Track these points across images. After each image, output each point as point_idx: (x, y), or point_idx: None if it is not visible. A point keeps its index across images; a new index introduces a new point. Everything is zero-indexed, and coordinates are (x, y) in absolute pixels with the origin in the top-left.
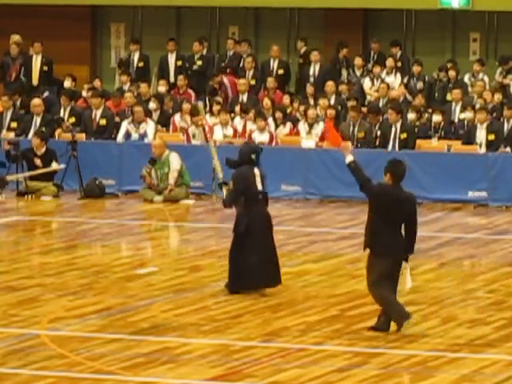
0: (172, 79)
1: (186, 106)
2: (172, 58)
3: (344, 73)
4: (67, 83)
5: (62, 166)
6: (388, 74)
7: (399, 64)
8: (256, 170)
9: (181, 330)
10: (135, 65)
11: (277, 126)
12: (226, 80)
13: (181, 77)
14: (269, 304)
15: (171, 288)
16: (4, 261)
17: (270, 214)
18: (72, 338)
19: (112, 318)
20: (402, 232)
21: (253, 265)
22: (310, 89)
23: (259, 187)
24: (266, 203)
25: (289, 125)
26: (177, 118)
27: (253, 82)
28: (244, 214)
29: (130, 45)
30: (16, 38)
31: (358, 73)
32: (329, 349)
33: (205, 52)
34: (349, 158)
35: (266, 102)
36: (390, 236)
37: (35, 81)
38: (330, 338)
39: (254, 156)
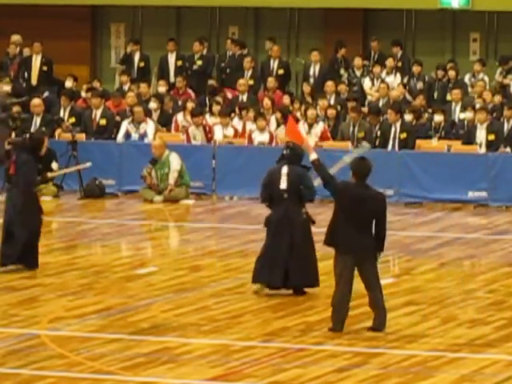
0: (172, 79)
1: (190, 105)
2: (172, 58)
3: (344, 73)
4: (68, 83)
5: (88, 164)
6: (388, 74)
7: (399, 64)
8: (284, 168)
9: (181, 330)
10: (136, 65)
11: (277, 126)
12: (230, 95)
13: (179, 78)
14: (269, 304)
15: (171, 288)
16: None
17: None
18: (72, 338)
19: (112, 318)
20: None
21: (258, 262)
22: (306, 88)
23: (282, 186)
24: (293, 202)
25: None
26: (179, 116)
27: (251, 82)
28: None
29: (130, 45)
30: (16, 37)
31: (358, 73)
32: (329, 349)
33: (205, 52)
34: (313, 156)
35: (266, 102)
36: (353, 234)
37: (34, 81)
38: (330, 338)
39: (284, 151)
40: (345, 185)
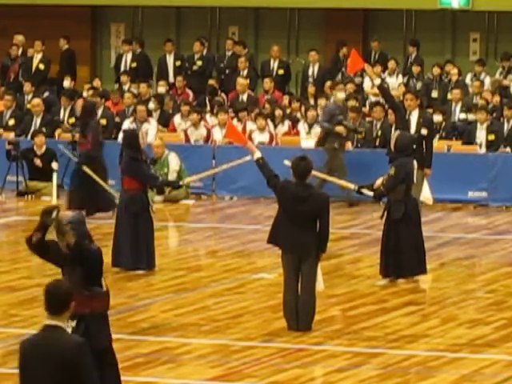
0: (171, 79)
1: (184, 109)
2: (170, 59)
3: (344, 72)
4: (66, 83)
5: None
6: (390, 75)
7: (410, 64)
8: (415, 162)
9: (181, 330)
10: (128, 65)
11: (276, 126)
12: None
13: (179, 78)
14: (269, 304)
15: (171, 288)
16: (4, 261)
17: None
18: None
19: (112, 317)
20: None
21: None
22: (311, 89)
23: (414, 179)
24: None
25: (287, 123)
26: (177, 118)
27: (247, 82)
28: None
29: (123, 45)
30: (19, 38)
31: (359, 72)
32: (329, 349)
33: (205, 52)
34: (256, 155)
35: (267, 106)
36: (295, 233)
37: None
38: (330, 338)
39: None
40: (286, 184)
